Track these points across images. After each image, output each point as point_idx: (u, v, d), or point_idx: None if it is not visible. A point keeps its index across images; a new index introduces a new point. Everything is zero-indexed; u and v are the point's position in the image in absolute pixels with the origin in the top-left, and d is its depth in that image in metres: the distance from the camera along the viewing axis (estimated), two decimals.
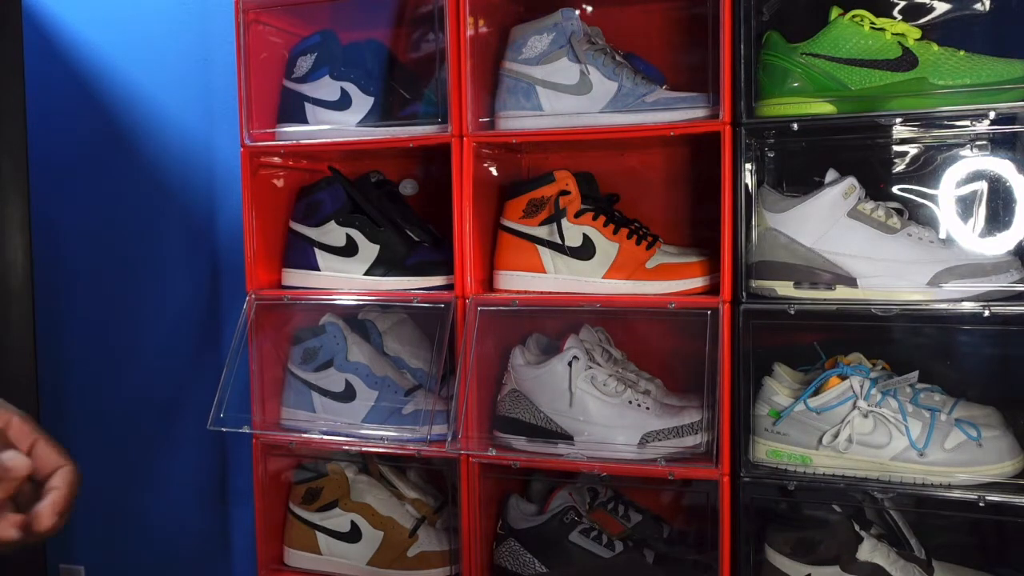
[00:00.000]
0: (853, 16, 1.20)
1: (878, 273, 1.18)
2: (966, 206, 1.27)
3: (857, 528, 1.23)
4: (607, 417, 1.29)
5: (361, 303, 1.46)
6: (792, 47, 1.21)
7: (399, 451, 1.41)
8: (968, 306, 1.14)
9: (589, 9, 1.46)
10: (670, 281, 1.29)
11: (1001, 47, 1.21)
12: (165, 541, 1.94)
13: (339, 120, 1.43)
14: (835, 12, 1.21)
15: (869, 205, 1.22)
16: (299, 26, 1.52)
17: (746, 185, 1.21)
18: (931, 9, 1.28)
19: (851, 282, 1.20)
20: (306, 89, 1.45)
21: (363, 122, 1.42)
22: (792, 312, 1.20)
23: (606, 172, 1.46)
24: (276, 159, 1.51)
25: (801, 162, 1.38)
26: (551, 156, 1.52)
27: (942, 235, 1.22)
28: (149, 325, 1.90)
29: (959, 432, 1.17)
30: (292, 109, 1.47)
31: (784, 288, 1.22)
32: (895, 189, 1.35)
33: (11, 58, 1.60)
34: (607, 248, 1.32)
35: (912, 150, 1.35)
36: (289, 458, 1.54)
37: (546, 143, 1.39)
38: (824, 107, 1.19)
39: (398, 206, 1.51)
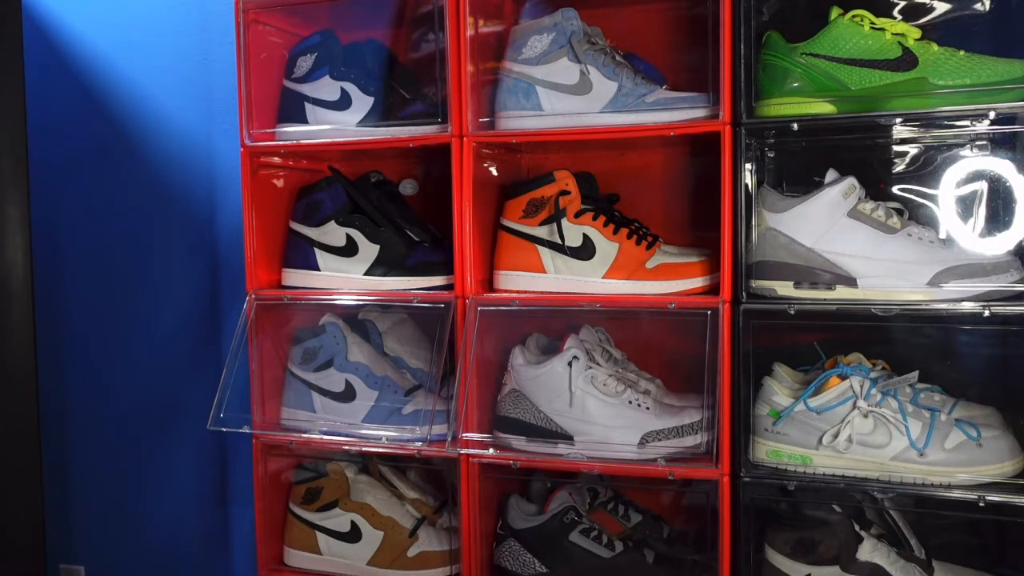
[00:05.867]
0: (853, 16, 1.20)
1: (878, 273, 1.18)
2: (966, 206, 1.27)
3: (857, 528, 1.23)
4: (607, 417, 1.29)
5: (361, 303, 1.46)
6: (792, 47, 1.21)
7: (399, 451, 1.41)
8: (968, 306, 1.14)
9: (589, 9, 1.46)
10: (670, 281, 1.29)
11: (1001, 47, 1.21)
12: (165, 541, 1.94)
13: (339, 120, 1.43)
14: (835, 12, 1.21)
15: (869, 205, 1.22)
16: (299, 26, 1.52)
17: (746, 185, 1.21)
18: (931, 9, 1.28)
19: (851, 282, 1.20)
20: (306, 89, 1.45)
21: (363, 122, 1.42)
22: (792, 312, 1.20)
23: (606, 172, 1.46)
24: (276, 159, 1.51)
25: (801, 162, 1.38)
26: (551, 156, 1.52)
27: (942, 235, 1.22)
28: (149, 325, 1.90)
29: (959, 432, 1.17)
30: (292, 109, 1.47)
31: (784, 288, 1.22)
32: (895, 189, 1.35)
33: (11, 58, 1.59)
34: (607, 248, 1.32)
35: (912, 150, 1.35)
36: (289, 458, 1.54)
37: (546, 143, 1.39)
38: (824, 107, 1.19)
39: (398, 206, 1.51)
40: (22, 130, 1.61)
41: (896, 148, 1.35)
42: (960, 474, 1.15)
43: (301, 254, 1.47)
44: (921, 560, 1.24)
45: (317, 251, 1.46)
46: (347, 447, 1.46)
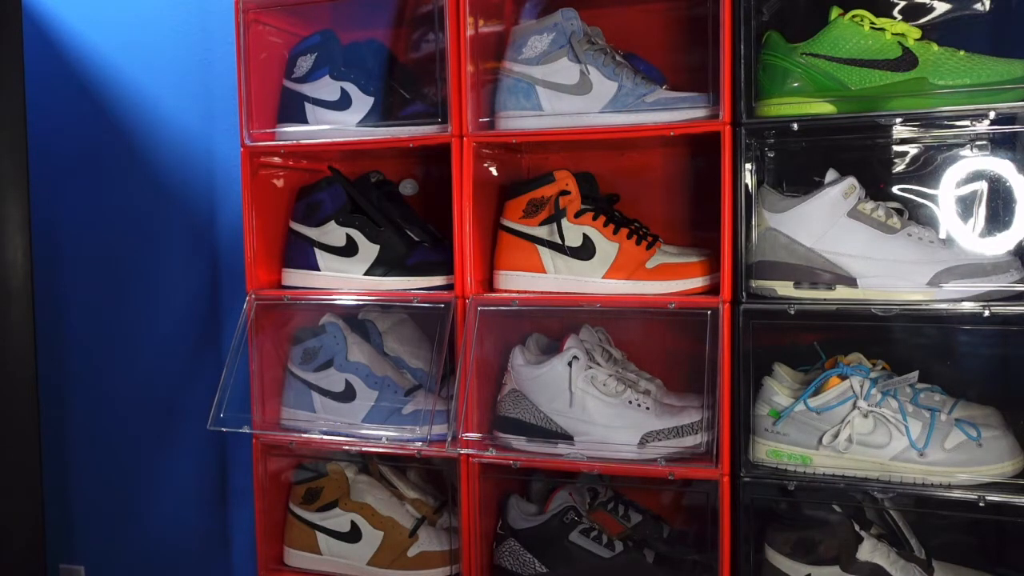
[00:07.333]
0: (853, 16, 1.20)
1: (878, 273, 1.18)
2: (966, 206, 1.27)
3: (857, 528, 1.23)
4: (607, 417, 1.29)
5: (361, 303, 1.46)
6: (792, 47, 1.21)
7: (399, 451, 1.41)
8: (968, 306, 1.14)
9: (589, 9, 1.46)
10: (670, 281, 1.29)
11: (1001, 47, 1.21)
12: (165, 541, 1.94)
13: (339, 120, 1.43)
14: (835, 12, 1.21)
15: (869, 205, 1.22)
16: (299, 26, 1.52)
17: (746, 185, 1.21)
18: (931, 9, 1.28)
19: (851, 282, 1.20)
20: (306, 89, 1.45)
21: (363, 122, 1.42)
22: (792, 312, 1.20)
23: (606, 172, 1.46)
24: (276, 159, 1.51)
25: (801, 162, 1.38)
26: (551, 156, 1.52)
27: (942, 235, 1.22)
28: (149, 325, 1.90)
29: (959, 432, 1.17)
30: (292, 109, 1.47)
31: (784, 288, 1.22)
32: (895, 189, 1.35)
33: (11, 58, 1.59)
34: (607, 248, 1.32)
35: (912, 150, 1.35)
36: (289, 458, 1.54)
37: (546, 143, 1.39)
38: (824, 107, 1.19)
39: (398, 206, 1.51)
40: (22, 130, 1.61)
41: (896, 148, 1.35)
42: (960, 474, 1.15)
43: (301, 254, 1.47)
44: (921, 560, 1.24)
45: (317, 251, 1.46)
46: (347, 447, 1.46)
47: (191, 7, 1.81)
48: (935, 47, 1.16)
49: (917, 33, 1.18)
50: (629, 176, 1.49)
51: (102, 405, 1.96)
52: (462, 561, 1.37)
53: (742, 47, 1.18)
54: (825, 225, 1.21)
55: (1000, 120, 1.18)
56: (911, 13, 1.27)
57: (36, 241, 1.68)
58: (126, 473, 1.95)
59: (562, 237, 1.33)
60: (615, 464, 1.28)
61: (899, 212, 1.25)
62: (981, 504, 1.13)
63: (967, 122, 1.23)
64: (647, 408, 1.29)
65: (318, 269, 1.46)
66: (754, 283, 1.24)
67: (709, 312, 1.22)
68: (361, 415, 1.43)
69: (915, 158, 1.35)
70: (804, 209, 1.22)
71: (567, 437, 1.31)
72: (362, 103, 1.43)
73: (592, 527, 1.36)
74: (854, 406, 1.20)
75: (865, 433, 1.19)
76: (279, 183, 1.53)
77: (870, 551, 1.22)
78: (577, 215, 1.33)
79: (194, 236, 1.85)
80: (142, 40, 1.85)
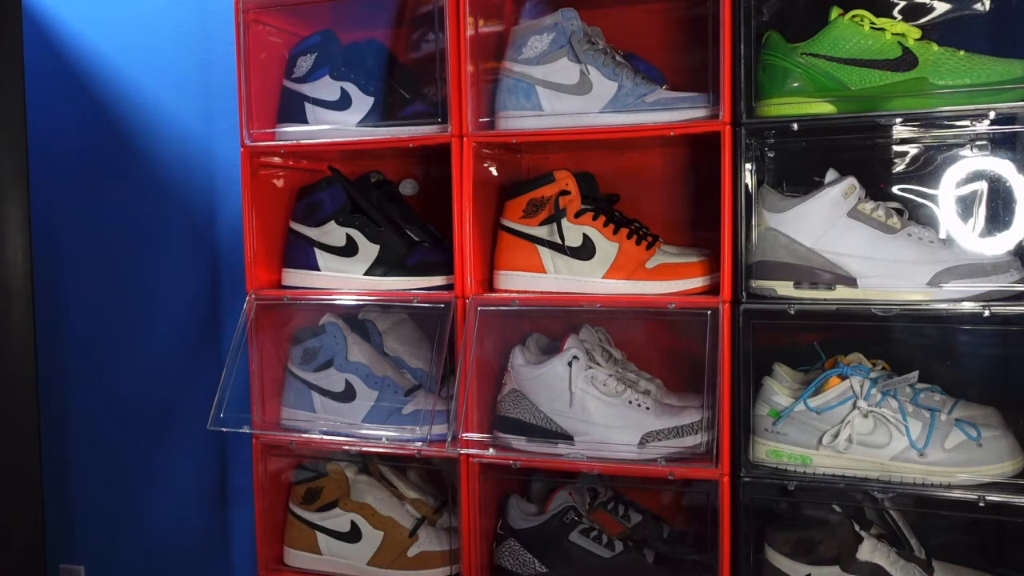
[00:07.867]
0: (853, 16, 1.20)
1: (878, 273, 1.18)
2: (966, 206, 1.27)
3: (857, 528, 1.23)
4: (607, 417, 1.29)
5: (361, 303, 1.46)
6: (792, 47, 1.21)
7: (399, 451, 1.41)
8: (968, 306, 1.14)
9: (589, 9, 1.46)
10: (670, 281, 1.29)
11: (1001, 47, 1.21)
12: (165, 541, 1.94)
13: (339, 120, 1.43)
14: (835, 12, 1.21)
15: (869, 205, 1.22)
16: (299, 26, 1.52)
17: (746, 185, 1.21)
18: (931, 9, 1.28)
19: (851, 282, 1.20)
20: (306, 89, 1.45)
21: (363, 122, 1.42)
22: (792, 312, 1.20)
23: (606, 172, 1.46)
24: (276, 159, 1.51)
25: (801, 162, 1.38)
26: (551, 156, 1.53)
27: (942, 235, 1.22)
28: (149, 325, 1.90)
29: (959, 432, 1.17)
30: (292, 109, 1.47)
31: (784, 288, 1.22)
32: (895, 189, 1.35)
33: (11, 58, 1.59)
34: (607, 248, 1.32)
35: (912, 150, 1.35)
36: (289, 458, 1.54)
37: (546, 143, 1.39)
38: (824, 107, 1.19)
39: (398, 206, 1.51)
40: (22, 130, 1.61)
41: (896, 148, 1.35)
42: (960, 474, 1.15)
43: (301, 254, 1.47)
44: (921, 560, 1.24)
45: (317, 251, 1.46)
46: (347, 447, 1.46)
47: (191, 7, 1.81)
48: (935, 47, 1.16)
49: (917, 33, 1.18)
50: (629, 176, 1.49)
51: (102, 405, 1.96)
52: (462, 561, 1.37)
53: (742, 47, 1.18)
54: (825, 225, 1.21)
55: (1000, 120, 1.18)
56: (911, 13, 1.27)
57: (36, 241, 1.68)
58: (126, 473, 1.95)
59: (562, 237, 1.33)
60: (615, 464, 1.28)
61: (899, 212, 1.25)
62: (981, 504, 1.13)
63: (967, 122, 1.23)
64: (647, 408, 1.29)
65: (318, 269, 1.46)
66: (754, 283, 1.24)
67: (709, 312, 1.22)
68: (361, 415, 1.43)
69: (915, 158, 1.35)
70: (804, 209, 1.22)
71: (567, 437, 1.31)
72: (362, 103, 1.43)
73: (592, 527, 1.37)
74: (854, 406, 1.20)
75: (865, 433, 1.19)
76: (279, 183, 1.53)
77: (870, 551, 1.22)
78: (577, 215, 1.33)
79: (194, 236, 1.85)
80: (142, 40, 1.85)
